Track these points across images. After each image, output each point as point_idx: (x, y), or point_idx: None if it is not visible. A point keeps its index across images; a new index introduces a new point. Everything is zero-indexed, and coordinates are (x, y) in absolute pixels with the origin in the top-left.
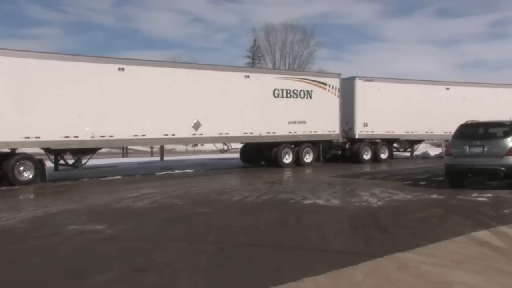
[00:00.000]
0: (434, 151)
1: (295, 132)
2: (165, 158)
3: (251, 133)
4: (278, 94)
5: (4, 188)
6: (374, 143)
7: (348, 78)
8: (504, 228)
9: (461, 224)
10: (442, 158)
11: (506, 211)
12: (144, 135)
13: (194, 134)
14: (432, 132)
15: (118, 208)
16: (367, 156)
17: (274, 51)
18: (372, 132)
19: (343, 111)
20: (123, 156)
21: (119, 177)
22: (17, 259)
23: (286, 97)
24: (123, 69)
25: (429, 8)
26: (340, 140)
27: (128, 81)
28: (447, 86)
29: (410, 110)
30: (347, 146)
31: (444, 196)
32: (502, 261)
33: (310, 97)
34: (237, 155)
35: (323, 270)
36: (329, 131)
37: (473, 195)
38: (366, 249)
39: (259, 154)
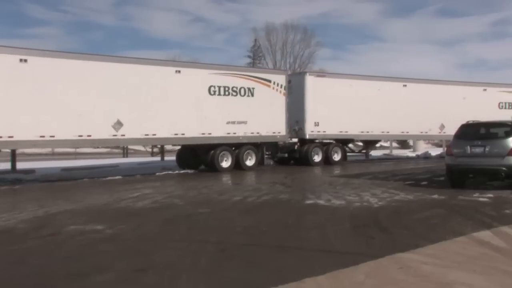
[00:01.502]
0: (435, 151)
1: (235, 133)
2: (166, 158)
3: (183, 134)
4: (215, 92)
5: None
6: (326, 144)
7: (298, 74)
8: (505, 229)
9: (462, 224)
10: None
11: (507, 211)
12: (53, 136)
13: (114, 135)
14: (388, 132)
15: (118, 208)
16: (317, 158)
17: (275, 51)
18: (324, 132)
19: (293, 110)
20: (123, 156)
21: (119, 177)
22: (18, 259)
23: (224, 94)
24: (25, 60)
25: (430, 8)
26: (287, 141)
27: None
28: (405, 83)
29: (365, 109)
30: (296, 147)
31: (445, 196)
32: (503, 261)
33: (252, 95)
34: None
35: (324, 271)
36: (274, 132)
37: (474, 195)
38: (367, 249)
39: (196, 157)
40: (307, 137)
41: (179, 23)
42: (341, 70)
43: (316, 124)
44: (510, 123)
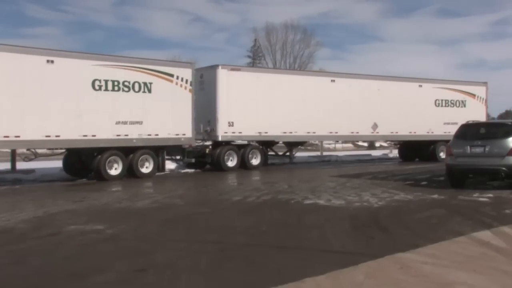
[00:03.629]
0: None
1: (127, 135)
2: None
3: (57, 136)
4: (100, 86)
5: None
6: (242, 147)
7: (209, 67)
8: (505, 229)
9: (462, 224)
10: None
11: (507, 211)
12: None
13: None
14: (315, 133)
15: (118, 208)
16: (232, 162)
17: (274, 51)
18: (240, 133)
19: (206, 108)
20: None
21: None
22: (17, 259)
23: (113, 90)
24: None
25: (429, 8)
26: (194, 144)
27: None
28: (333, 78)
29: (289, 107)
30: (207, 150)
31: (445, 196)
32: (504, 261)
33: (149, 90)
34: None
35: (323, 270)
36: (178, 134)
37: (474, 195)
38: (367, 249)
39: (83, 163)
40: (220, 139)
41: (179, 23)
42: (341, 70)
43: (231, 124)
44: (510, 123)
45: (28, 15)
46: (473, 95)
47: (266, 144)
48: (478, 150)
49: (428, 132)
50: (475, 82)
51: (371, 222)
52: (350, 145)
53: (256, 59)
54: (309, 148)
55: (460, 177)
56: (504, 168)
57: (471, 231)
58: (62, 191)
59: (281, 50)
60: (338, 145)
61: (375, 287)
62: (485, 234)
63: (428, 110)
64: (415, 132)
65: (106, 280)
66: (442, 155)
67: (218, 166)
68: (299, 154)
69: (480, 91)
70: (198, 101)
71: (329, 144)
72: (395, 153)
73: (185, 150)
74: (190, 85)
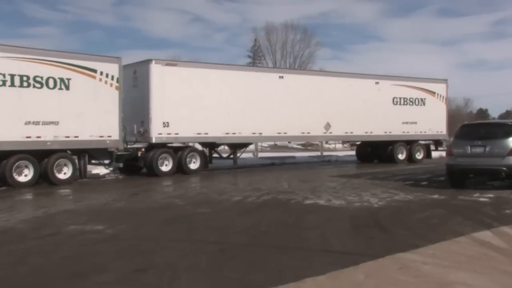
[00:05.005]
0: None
1: (39, 137)
2: None
3: None
4: (5, 82)
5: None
6: (180, 149)
7: (142, 62)
8: (506, 229)
9: (463, 224)
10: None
11: (507, 211)
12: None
13: None
14: (261, 134)
15: (118, 208)
16: (167, 166)
17: (274, 51)
18: (177, 134)
19: (138, 107)
20: None
21: (119, 177)
22: (17, 259)
23: (22, 86)
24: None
25: (430, 8)
26: (121, 147)
27: None
28: (281, 74)
29: (232, 105)
30: (139, 154)
31: (445, 196)
32: (504, 261)
33: (67, 87)
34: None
35: (324, 271)
36: (103, 136)
37: (475, 195)
38: (367, 249)
39: None
40: (154, 141)
41: (179, 23)
42: (341, 70)
43: (166, 124)
44: (510, 123)
45: (27, 14)
46: (433, 93)
47: (210, 146)
48: (479, 150)
49: (385, 132)
50: (435, 79)
51: (371, 222)
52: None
53: (256, 59)
54: (309, 148)
55: (460, 177)
56: (504, 168)
57: (471, 231)
58: (62, 191)
59: (281, 50)
60: (339, 145)
61: (375, 287)
62: (485, 234)
63: (385, 109)
64: (371, 132)
65: (106, 280)
66: (401, 156)
67: (151, 171)
68: (245, 156)
69: (440, 88)
70: (132, 100)
71: (330, 144)
72: None
73: (113, 153)
74: (117, 81)
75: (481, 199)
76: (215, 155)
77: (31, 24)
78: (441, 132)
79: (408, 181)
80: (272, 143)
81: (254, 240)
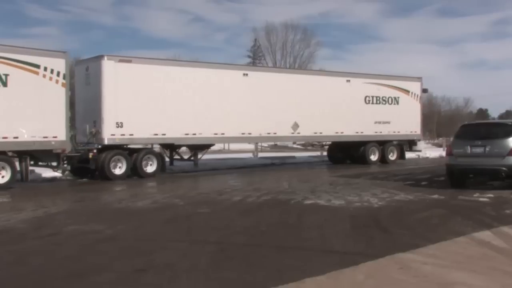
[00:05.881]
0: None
1: None
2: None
3: None
4: None
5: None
6: (135, 151)
7: (94, 58)
8: (506, 229)
9: (463, 224)
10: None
11: (507, 211)
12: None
13: None
14: (223, 134)
15: (118, 208)
16: (119, 169)
17: (274, 51)
18: (131, 135)
19: (91, 106)
20: None
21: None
22: (17, 259)
23: None
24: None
25: (430, 8)
26: (68, 148)
27: None
28: (245, 72)
29: (192, 104)
30: (90, 156)
31: (445, 196)
32: (504, 261)
33: (4, 83)
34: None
35: (324, 271)
36: (47, 137)
37: (475, 195)
38: (367, 249)
39: None
40: (106, 142)
41: (179, 22)
42: (342, 70)
43: (119, 125)
44: (510, 123)
45: (27, 14)
46: (407, 91)
47: (171, 148)
48: (479, 150)
49: (357, 132)
50: (408, 77)
51: (371, 222)
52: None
53: (256, 59)
54: (309, 148)
55: (461, 177)
56: (504, 168)
57: (471, 231)
58: (62, 191)
59: (281, 50)
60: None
61: (375, 287)
62: (485, 234)
63: (357, 108)
64: (342, 133)
65: (106, 280)
66: (373, 157)
67: (103, 174)
68: (208, 156)
69: (414, 87)
70: (85, 98)
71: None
72: None
73: (60, 155)
74: (64, 78)
75: (481, 199)
76: (176, 157)
77: (31, 24)
78: (415, 132)
79: (408, 181)
80: (272, 143)
81: (254, 240)
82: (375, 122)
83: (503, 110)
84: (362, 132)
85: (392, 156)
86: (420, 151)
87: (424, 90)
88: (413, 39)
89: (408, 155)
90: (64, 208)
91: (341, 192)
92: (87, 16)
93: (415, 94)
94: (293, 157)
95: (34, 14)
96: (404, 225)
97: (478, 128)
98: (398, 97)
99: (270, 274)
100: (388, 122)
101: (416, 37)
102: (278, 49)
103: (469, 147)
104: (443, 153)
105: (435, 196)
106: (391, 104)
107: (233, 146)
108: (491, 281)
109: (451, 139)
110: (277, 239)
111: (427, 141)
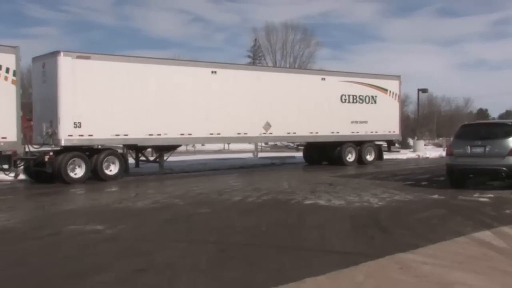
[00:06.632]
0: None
1: None
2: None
3: None
4: None
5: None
6: (96, 152)
7: (50, 54)
8: (506, 229)
9: (463, 224)
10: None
11: (507, 211)
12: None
13: None
14: (190, 135)
15: (118, 208)
16: (78, 172)
17: (275, 51)
18: (91, 135)
19: (48, 105)
20: None
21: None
22: (17, 259)
23: None
24: None
25: (430, 8)
26: (19, 150)
27: None
28: (214, 69)
29: (156, 103)
30: (46, 158)
31: (445, 197)
32: (504, 261)
33: None
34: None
35: (324, 271)
36: None
37: (475, 195)
38: (367, 249)
39: None
40: (63, 143)
41: (179, 23)
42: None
43: (77, 125)
44: (510, 123)
45: (28, 15)
46: (385, 90)
47: (137, 149)
48: (479, 150)
49: (332, 133)
50: (387, 76)
51: (371, 222)
52: None
53: (256, 59)
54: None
55: (461, 177)
56: (504, 168)
57: (471, 231)
58: (61, 191)
59: (281, 50)
60: None
61: (375, 287)
62: (485, 234)
63: (332, 107)
64: (317, 133)
65: (106, 280)
66: (350, 158)
67: (60, 178)
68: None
69: (393, 85)
70: (42, 97)
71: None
72: None
73: (11, 157)
74: (14, 74)
75: (481, 199)
76: (142, 158)
77: (31, 24)
78: (394, 132)
79: (408, 181)
80: (270, 144)
81: (254, 240)
82: (352, 122)
83: (503, 110)
84: (338, 132)
85: (370, 157)
86: (398, 151)
87: (424, 90)
88: (413, 39)
89: (408, 155)
90: None
91: (341, 192)
92: (87, 16)
93: (393, 93)
94: (293, 157)
95: (34, 14)
96: (404, 225)
97: (478, 128)
98: (376, 96)
99: (270, 274)
100: (366, 122)
101: (416, 37)
102: (278, 49)
103: (469, 147)
104: (443, 153)
105: (435, 196)
106: (368, 103)
107: (233, 146)
108: (491, 281)
109: (451, 139)
110: (277, 239)
111: (427, 141)
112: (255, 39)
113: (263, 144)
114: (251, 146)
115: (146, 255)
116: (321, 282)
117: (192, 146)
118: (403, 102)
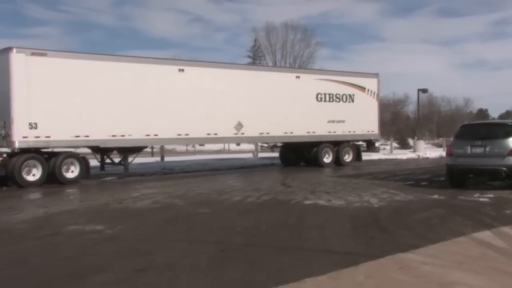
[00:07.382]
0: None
1: None
2: (165, 158)
3: None
4: None
5: (4, 188)
6: (54, 155)
7: (2, 51)
8: (506, 229)
9: (463, 224)
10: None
11: (507, 211)
12: None
13: None
14: (156, 135)
15: (118, 208)
16: (34, 175)
17: (275, 51)
18: (48, 137)
19: (1, 106)
20: None
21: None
22: (17, 259)
23: None
24: None
25: (430, 8)
26: None
27: None
28: (181, 67)
29: (120, 103)
30: (0, 161)
31: (445, 197)
32: (504, 261)
33: None
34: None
35: (324, 271)
36: None
37: (475, 195)
38: (367, 249)
39: None
40: (17, 145)
41: (179, 23)
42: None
43: (33, 126)
44: (510, 123)
45: (28, 15)
46: (363, 89)
47: (101, 151)
48: (479, 150)
49: (308, 132)
50: (365, 74)
51: (372, 222)
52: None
53: (256, 59)
54: None
55: (461, 177)
56: (504, 168)
57: (471, 232)
58: (61, 192)
59: (281, 50)
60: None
61: (375, 287)
62: (485, 235)
63: (308, 106)
64: (292, 133)
65: (106, 280)
66: (327, 159)
67: (15, 181)
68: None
69: (371, 83)
70: None
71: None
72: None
73: None
74: None
75: (481, 199)
76: (107, 160)
77: (31, 24)
78: (373, 131)
79: (408, 181)
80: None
81: (254, 240)
82: (329, 121)
83: (503, 110)
84: (314, 132)
85: (348, 158)
86: (377, 151)
87: (424, 90)
88: (413, 39)
89: (408, 155)
90: None
91: (341, 192)
92: (87, 16)
93: (372, 92)
94: None
95: (34, 14)
96: (404, 225)
97: (478, 128)
98: (354, 95)
99: (270, 274)
100: (343, 121)
101: (416, 37)
102: (278, 49)
103: (469, 147)
104: (443, 153)
105: (435, 196)
106: (345, 102)
107: (233, 146)
108: (491, 281)
109: (451, 139)
110: (277, 239)
111: (427, 141)
112: (255, 39)
113: (263, 144)
114: (251, 146)
115: (146, 255)
116: (321, 282)
117: (192, 147)
118: (403, 102)
